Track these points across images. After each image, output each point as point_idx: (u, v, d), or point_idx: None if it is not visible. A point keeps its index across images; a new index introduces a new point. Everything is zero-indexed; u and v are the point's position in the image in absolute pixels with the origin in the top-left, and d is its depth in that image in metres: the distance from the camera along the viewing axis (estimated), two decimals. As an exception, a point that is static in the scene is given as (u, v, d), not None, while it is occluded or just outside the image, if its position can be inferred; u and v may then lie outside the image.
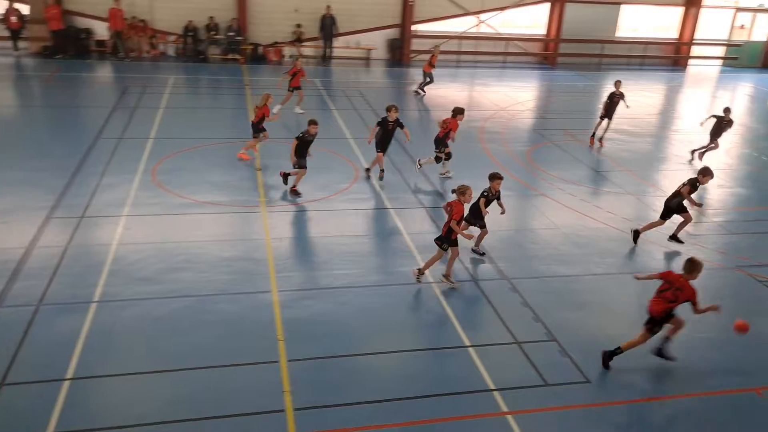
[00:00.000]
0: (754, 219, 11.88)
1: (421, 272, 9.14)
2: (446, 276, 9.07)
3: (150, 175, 12.24)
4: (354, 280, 9.06)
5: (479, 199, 9.79)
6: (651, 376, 7.43)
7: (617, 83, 15.89)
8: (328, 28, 23.60)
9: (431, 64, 19.84)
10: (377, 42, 25.04)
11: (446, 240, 8.89)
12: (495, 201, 9.88)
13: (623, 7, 26.95)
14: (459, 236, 8.81)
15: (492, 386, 7.03)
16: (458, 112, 12.97)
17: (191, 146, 13.99)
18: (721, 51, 29.09)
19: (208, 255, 9.44)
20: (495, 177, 9.86)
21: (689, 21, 27.48)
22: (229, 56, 23.23)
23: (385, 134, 12.55)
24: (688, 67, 28.03)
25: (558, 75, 24.81)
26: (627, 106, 16.08)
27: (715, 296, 9.34)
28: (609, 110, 15.65)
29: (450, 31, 25.82)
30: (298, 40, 24.00)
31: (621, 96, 15.64)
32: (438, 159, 13.08)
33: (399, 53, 25.05)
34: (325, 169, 13.13)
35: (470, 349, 7.70)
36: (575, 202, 12.18)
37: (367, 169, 12.94)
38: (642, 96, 21.60)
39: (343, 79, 22.11)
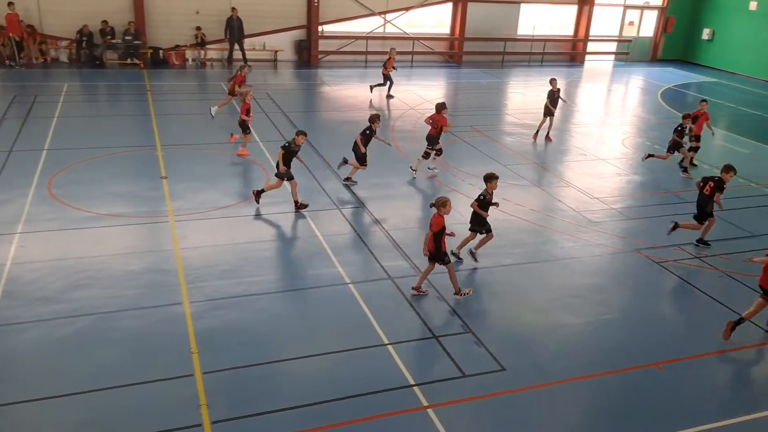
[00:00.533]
0: (649, 204, 12.61)
1: (420, 290, 8.91)
2: (457, 293, 8.83)
3: (45, 188, 11.55)
4: (269, 286, 8.92)
5: (476, 204, 9.62)
6: (560, 359, 7.72)
7: (553, 81, 16.55)
8: (234, 30, 23.08)
9: (386, 67, 19.98)
10: (284, 44, 24.77)
11: (438, 256, 8.66)
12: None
13: (522, 6, 27.96)
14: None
15: (412, 381, 7.11)
16: (442, 107, 13.32)
17: (91, 156, 13.31)
18: (613, 47, 30.74)
19: (113, 269, 9.00)
20: (492, 177, 9.63)
21: (583, 19, 28.88)
22: (128, 61, 22.28)
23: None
24: (585, 62, 29.43)
25: (464, 73, 25.43)
26: (564, 101, 17.01)
27: (618, 278, 9.87)
28: (550, 108, 16.32)
29: (357, 32, 25.91)
30: (201, 43, 23.34)
31: (558, 92, 16.44)
32: (427, 155, 13.41)
33: (306, 54, 24.88)
34: (235, 174, 12.85)
35: (389, 346, 7.74)
36: (485, 196, 12.49)
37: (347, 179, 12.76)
38: (545, 91, 22.45)
39: (250, 81, 21.69)
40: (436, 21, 27.63)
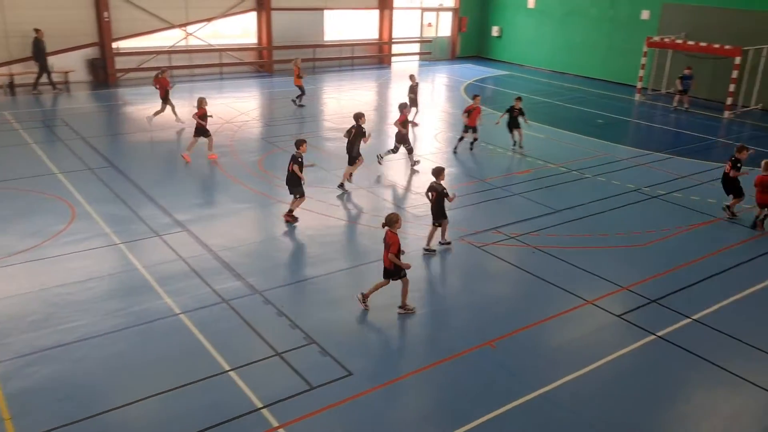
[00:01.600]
0: (465, 194, 13.39)
1: (366, 298, 8.83)
2: (403, 306, 8.72)
3: None
4: (88, 330, 8.09)
5: (436, 197, 10.40)
6: (403, 354, 7.91)
7: (412, 77, 18.90)
8: (41, 51, 20.79)
9: (299, 77, 20.50)
10: (75, 63, 22.74)
11: (396, 273, 8.54)
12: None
13: (326, 12, 28.40)
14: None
15: (260, 404, 6.84)
16: (403, 106, 14.80)
17: None
18: (416, 47, 32.37)
19: None
20: (441, 171, 10.59)
21: (386, 22, 30.06)
22: None
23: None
24: (392, 64, 30.64)
25: (276, 82, 25.23)
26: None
27: (447, 267, 10.35)
28: (415, 99, 18.59)
29: (157, 47, 24.58)
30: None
31: (417, 85, 18.09)
32: (395, 150, 14.86)
33: (103, 74, 23.07)
34: (32, 212, 11.53)
35: (231, 372, 7.39)
36: (312, 204, 12.46)
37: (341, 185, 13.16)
38: (357, 94, 23.04)
39: (38, 108, 19.66)
40: (242, 31, 27.10)
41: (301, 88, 20.74)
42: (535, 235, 11.43)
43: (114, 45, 23.19)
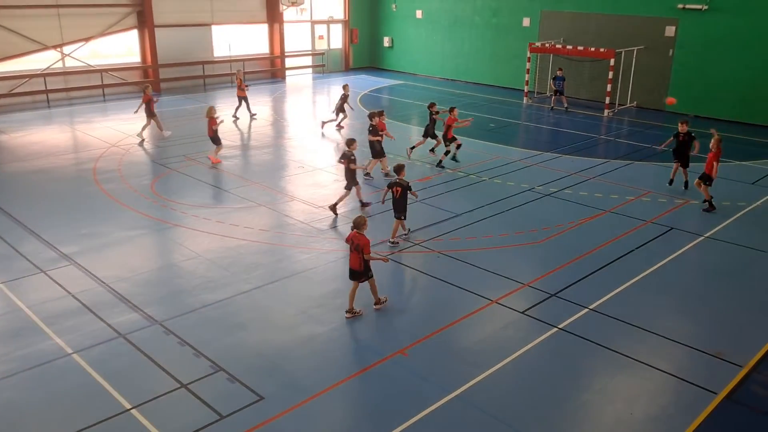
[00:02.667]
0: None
1: (354, 312, 9.04)
2: (378, 302, 9.20)
3: None
4: (-34, 382, 7.36)
5: (401, 192, 11.09)
6: (315, 372, 7.75)
7: (345, 86, 19.96)
8: None
9: (241, 89, 21.00)
10: (-61, 91, 20.92)
11: (365, 273, 8.88)
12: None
13: (214, 27, 27.74)
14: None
15: (166, 443, 6.47)
16: (378, 114, 14.86)
17: None
18: (309, 60, 32.28)
19: None
20: (402, 168, 11.24)
21: (276, 36, 29.77)
22: None
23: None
24: (286, 78, 30.36)
25: (165, 101, 24.29)
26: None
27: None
28: (348, 106, 19.67)
29: (31, 70, 23.05)
30: None
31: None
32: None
33: (-28, 101, 21.38)
34: None
35: (133, 411, 6.96)
36: (211, 226, 12.06)
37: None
38: (265, 110, 22.58)
39: None
40: (125, 50, 25.95)
41: (244, 99, 21.18)
42: (439, 240, 11.61)
43: (-19, 69, 21.53)
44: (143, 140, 18.26)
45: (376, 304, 9.20)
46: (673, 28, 22.53)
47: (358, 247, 8.73)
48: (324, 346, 8.32)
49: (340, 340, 8.50)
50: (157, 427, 6.70)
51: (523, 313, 9.16)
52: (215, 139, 16.18)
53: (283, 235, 11.82)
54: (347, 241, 8.93)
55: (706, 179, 13.13)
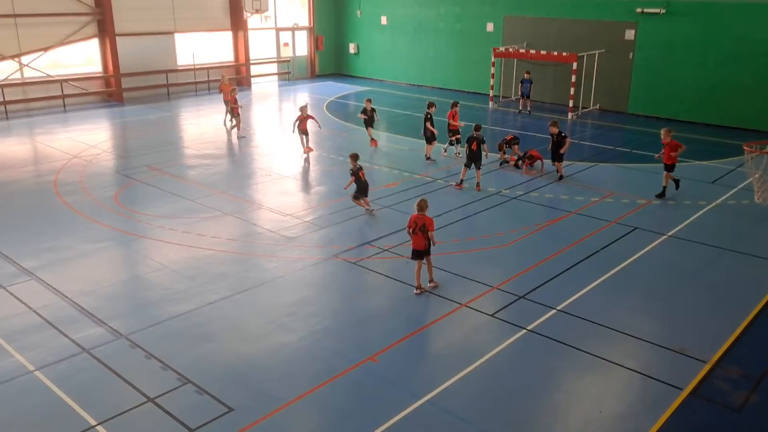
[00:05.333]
0: (335, 211, 13.37)
1: (421, 288, 9.87)
2: (432, 280, 9.97)
3: None
4: None
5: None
6: (284, 381, 7.68)
7: (368, 100, 19.21)
8: None
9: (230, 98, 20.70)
10: None
11: (428, 251, 9.75)
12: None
13: (177, 35, 27.43)
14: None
15: (133, 459, 6.34)
16: (454, 104, 17.56)
17: None
18: (275, 68, 32.12)
19: None
20: (355, 156, 12.86)
21: (240, 43, 29.55)
22: None
23: None
24: (251, 85, 30.15)
25: (129, 111, 23.95)
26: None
27: (323, 287, 10.23)
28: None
29: (-12, 80, 22.50)
30: None
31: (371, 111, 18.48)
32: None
33: (-74, 113, 20.74)
34: None
35: (99, 427, 6.82)
36: (177, 236, 11.89)
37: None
38: (217, 119, 22.36)
39: None
40: (85, 59, 25.48)
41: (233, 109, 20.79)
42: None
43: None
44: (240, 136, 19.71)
45: (431, 281, 9.99)
46: (633, 31, 23.03)
47: (423, 227, 9.61)
48: (293, 355, 8.26)
49: (310, 348, 8.44)
50: (123, 443, 6.57)
51: (492, 315, 9.23)
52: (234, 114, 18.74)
53: (250, 245, 11.72)
54: (410, 225, 9.77)
55: (668, 168, 14.01)
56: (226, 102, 20.98)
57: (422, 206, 9.70)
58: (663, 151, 14.04)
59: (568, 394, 7.58)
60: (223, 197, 14.24)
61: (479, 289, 10.01)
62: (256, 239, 11.98)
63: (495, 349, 8.38)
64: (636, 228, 12.49)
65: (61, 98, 23.97)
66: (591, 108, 24.41)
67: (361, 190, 13.07)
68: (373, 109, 18.71)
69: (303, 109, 17.80)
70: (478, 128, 14.68)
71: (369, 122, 18.71)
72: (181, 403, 7.23)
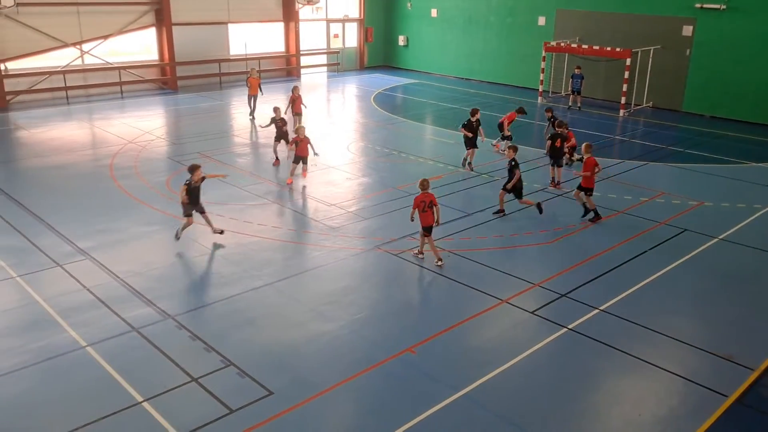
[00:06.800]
0: (378, 203, 13.46)
1: (422, 254, 10.73)
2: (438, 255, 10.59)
3: None
4: (-18, 373, 7.53)
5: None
6: (323, 368, 7.81)
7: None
8: None
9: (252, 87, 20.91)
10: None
11: (431, 228, 10.47)
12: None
13: (230, 26, 27.93)
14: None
15: (176, 435, 6.58)
16: (519, 111, 17.39)
17: None
18: (324, 59, 32.39)
19: None
20: (195, 168, 11.20)
21: (291, 34, 29.90)
22: None
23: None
24: (301, 76, 30.49)
25: (182, 98, 24.55)
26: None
27: (364, 277, 10.34)
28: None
29: (51, 66, 23.37)
30: None
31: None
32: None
33: (-8, 97, 21.73)
34: None
35: (145, 403, 7.07)
36: (225, 222, 12.17)
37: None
38: (269, 108, 22.68)
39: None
40: (142, 47, 26.21)
41: (254, 97, 21.01)
42: (449, 239, 11.63)
43: (1, 66, 21.84)
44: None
45: (438, 261, 10.56)
46: (691, 27, 22.32)
47: (431, 203, 10.34)
48: (332, 343, 8.39)
49: (349, 337, 8.56)
50: (167, 419, 6.81)
51: (532, 313, 9.17)
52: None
53: (295, 233, 11.91)
54: (418, 204, 10.34)
55: (582, 189, 12.54)
56: (250, 97, 20.94)
57: (426, 185, 10.46)
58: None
59: (607, 395, 7.49)
60: (270, 185, 14.50)
61: (520, 285, 9.95)
62: (301, 228, 12.17)
63: (534, 347, 8.33)
64: (686, 230, 12.18)
65: (118, 85, 24.74)
66: (644, 105, 23.81)
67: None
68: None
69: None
70: (561, 125, 14.64)
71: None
72: (223, 384, 7.44)
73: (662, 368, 7.93)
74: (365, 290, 9.91)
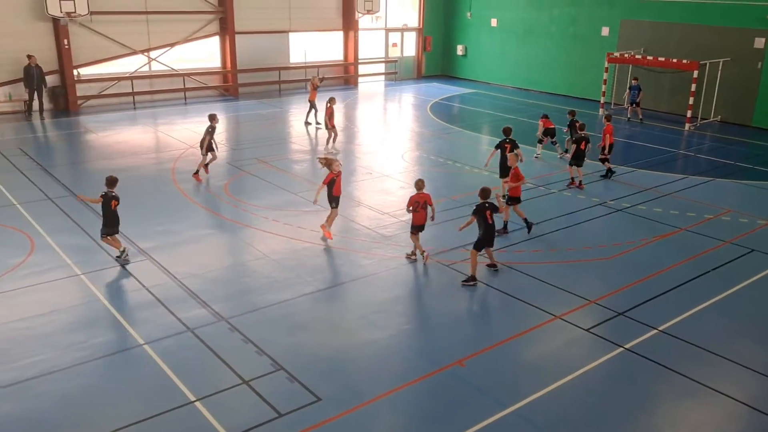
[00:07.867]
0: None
1: (414, 255, 11.01)
2: (420, 253, 10.95)
3: None
4: (48, 365, 7.85)
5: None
6: (371, 377, 7.81)
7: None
8: (34, 78, 21.01)
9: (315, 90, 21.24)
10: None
11: (423, 227, 10.84)
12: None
13: (291, 35, 28.47)
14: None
15: (226, 436, 6.69)
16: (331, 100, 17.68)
17: None
18: (382, 67, 32.59)
19: None
20: (420, 183, 11.16)
21: (350, 43, 30.23)
22: None
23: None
24: (358, 84, 30.77)
25: (242, 105, 25.14)
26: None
27: (414, 287, 10.31)
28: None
29: (119, 72, 24.34)
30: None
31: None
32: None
33: (64, 101, 22.74)
34: (-11, 244, 11.21)
35: (197, 403, 7.23)
36: (279, 228, 12.36)
37: None
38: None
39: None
40: (206, 55, 26.99)
41: (312, 103, 21.24)
42: (503, 251, 11.47)
43: (75, 72, 22.89)
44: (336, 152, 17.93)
45: (423, 253, 10.90)
46: (763, 39, 21.41)
47: (425, 204, 10.68)
48: (382, 352, 8.38)
49: (398, 346, 8.53)
50: (218, 420, 6.93)
51: (587, 330, 8.92)
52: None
53: (347, 240, 11.99)
54: (411, 204, 10.70)
55: (509, 199, 12.37)
56: (311, 102, 21.31)
57: (421, 185, 10.82)
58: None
59: (664, 420, 7.21)
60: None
61: (576, 302, 9.71)
62: (353, 235, 12.24)
63: (588, 365, 8.11)
64: (753, 250, 11.64)
65: (182, 91, 25.54)
66: (711, 119, 22.95)
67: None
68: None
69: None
70: (582, 127, 15.26)
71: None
72: (273, 388, 7.53)
73: (723, 393, 7.59)
74: (415, 300, 9.87)
